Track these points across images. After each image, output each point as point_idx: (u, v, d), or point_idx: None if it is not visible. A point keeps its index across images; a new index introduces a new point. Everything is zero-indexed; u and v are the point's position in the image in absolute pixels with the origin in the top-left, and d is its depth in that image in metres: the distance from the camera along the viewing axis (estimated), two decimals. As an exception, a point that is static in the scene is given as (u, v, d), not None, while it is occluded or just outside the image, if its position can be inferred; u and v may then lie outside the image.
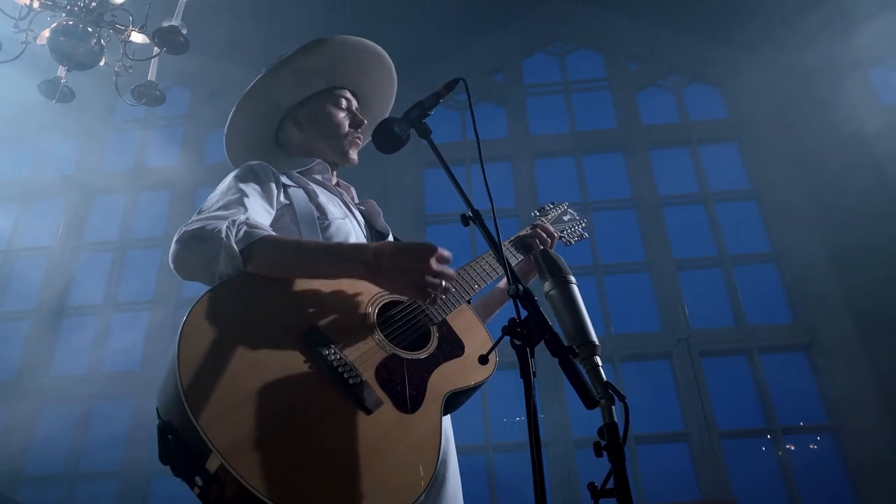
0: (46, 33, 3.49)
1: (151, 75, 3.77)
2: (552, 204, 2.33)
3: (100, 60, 3.64)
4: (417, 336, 1.56)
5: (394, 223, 2.06)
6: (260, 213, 1.64)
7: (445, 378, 1.51)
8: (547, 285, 1.29)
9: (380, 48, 2.05)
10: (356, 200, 2.02)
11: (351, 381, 1.35)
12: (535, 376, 1.20)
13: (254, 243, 1.45)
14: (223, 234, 1.44)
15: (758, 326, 5.41)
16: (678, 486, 4.89)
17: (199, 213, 1.58)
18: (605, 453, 1.06)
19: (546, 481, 1.13)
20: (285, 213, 1.74)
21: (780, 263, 5.72)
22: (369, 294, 1.55)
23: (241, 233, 1.46)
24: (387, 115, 2.09)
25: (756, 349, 5.30)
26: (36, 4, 3.49)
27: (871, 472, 4.69)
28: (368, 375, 1.40)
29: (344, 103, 2.01)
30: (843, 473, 4.83)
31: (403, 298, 1.59)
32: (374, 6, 6.12)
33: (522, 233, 2.10)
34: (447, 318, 1.63)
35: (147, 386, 5.23)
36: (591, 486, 1.05)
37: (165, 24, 3.47)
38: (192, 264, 1.48)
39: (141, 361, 5.58)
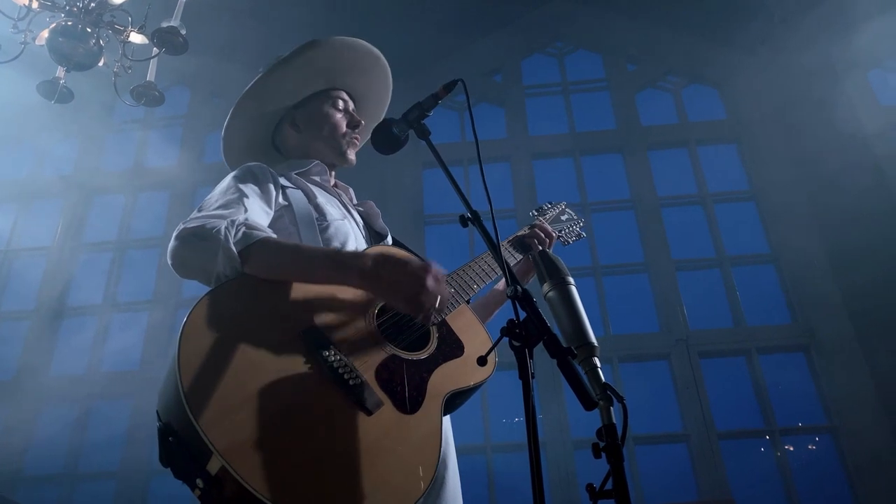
0: (45, 34, 3.49)
1: (150, 76, 3.76)
2: (550, 203, 2.33)
3: (99, 61, 3.64)
4: (417, 336, 1.56)
5: (392, 224, 2.06)
6: (259, 213, 1.64)
7: (445, 378, 1.51)
8: (546, 287, 1.30)
9: (375, 49, 2.06)
10: (355, 201, 2.02)
11: (351, 382, 1.36)
12: (533, 377, 1.21)
13: (252, 245, 1.46)
14: (222, 235, 1.44)
15: (756, 327, 5.41)
16: (677, 486, 4.90)
17: (199, 210, 1.58)
18: (603, 454, 1.06)
19: (545, 482, 1.13)
20: (284, 215, 1.74)
21: (779, 264, 5.72)
22: (369, 295, 1.55)
23: (240, 234, 1.46)
24: (382, 116, 2.10)
25: (755, 350, 5.30)
26: (35, 5, 3.49)
27: (870, 472, 4.69)
28: (369, 376, 1.40)
29: (341, 104, 2.02)
30: (842, 474, 4.83)
31: None
32: (373, 6, 6.12)
33: (521, 233, 2.10)
34: (447, 318, 1.63)
35: (146, 386, 5.22)
36: (590, 487, 1.05)
37: (164, 24, 3.47)
38: (191, 262, 1.48)
39: (140, 361, 5.58)
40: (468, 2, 6.61)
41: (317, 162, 1.95)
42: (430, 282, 1.44)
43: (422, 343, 1.56)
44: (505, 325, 1.26)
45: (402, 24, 6.10)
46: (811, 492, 4.76)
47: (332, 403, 1.32)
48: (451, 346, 1.58)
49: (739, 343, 5.35)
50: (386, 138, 1.72)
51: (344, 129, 2.00)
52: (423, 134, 1.67)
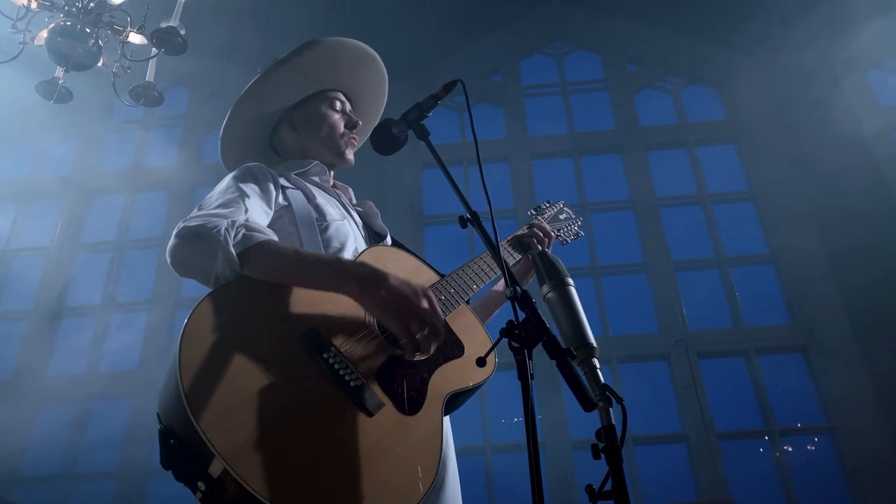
0: (44, 34, 3.49)
1: (149, 76, 3.76)
2: (548, 202, 2.34)
3: (98, 61, 3.63)
4: None
5: (391, 224, 2.06)
6: (259, 213, 1.64)
7: (446, 379, 1.51)
8: (545, 288, 1.30)
9: (371, 50, 2.06)
10: (354, 201, 2.02)
11: (352, 384, 1.35)
12: (532, 378, 1.21)
13: (251, 248, 1.45)
14: (222, 235, 1.44)
15: (755, 327, 5.41)
16: (676, 487, 4.90)
17: (199, 209, 1.58)
18: (602, 455, 1.06)
19: (544, 482, 1.13)
20: (284, 215, 1.74)
21: (778, 265, 5.73)
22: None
23: (240, 236, 1.46)
24: (379, 117, 2.11)
25: (754, 350, 5.30)
26: (34, 5, 3.49)
27: (869, 473, 4.69)
28: (369, 377, 1.40)
29: (338, 105, 2.02)
30: (841, 474, 4.83)
31: None
32: (373, 7, 6.12)
33: (519, 232, 2.10)
34: (447, 318, 1.63)
35: (145, 386, 5.22)
36: (589, 488, 1.05)
37: (163, 24, 3.47)
38: (190, 262, 1.48)
39: (139, 362, 5.58)
40: (467, 2, 6.61)
41: (316, 162, 1.95)
42: (424, 304, 1.41)
43: (422, 343, 1.55)
44: (504, 325, 1.26)
45: (401, 24, 6.10)
46: (810, 492, 4.76)
47: (333, 405, 1.32)
48: (452, 347, 1.58)
49: (738, 343, 5.35)
50: (385, 139, 1.72)
51: (342, 129, 2.00)
52: (423, 134, 1.67)
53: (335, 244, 1.74)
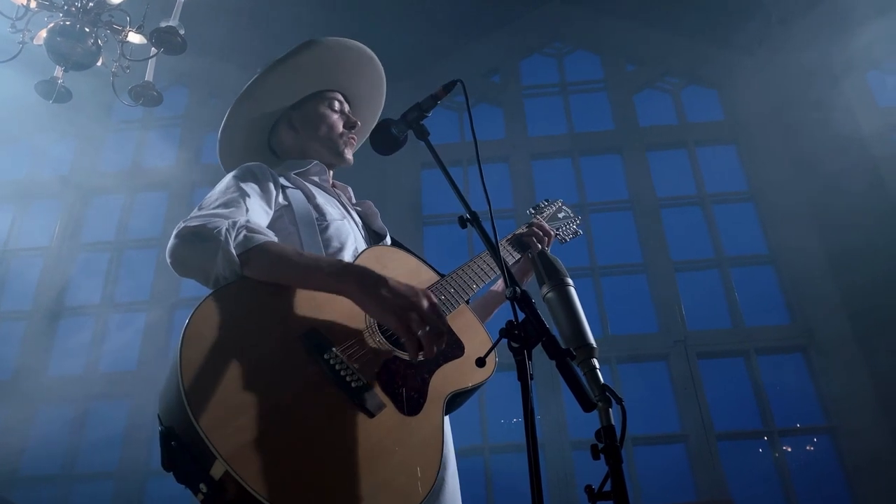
0: (43, 33, 3.48)
1: (149, 76, 3.76)
2: (547, 201, 2.34)
3: (97, 61, 3.63)
4: None
5: (391, 224, 2.06)
6: (259, 213, 1.64)
7: (446, 379, 1.51)
8: (544, 288, 1.29)
9: (369, 50, 2.06)
10: (353, 201, 2.02)
11: (353, 384, 1.35)
12: (532, 378, 1.20)
13: (252, 249, 1.45)
14: (223, 236, 1.44)
15: (755, 328, 5.41)
16: (675, 487, 4.90)
17: (199, 209, 1.58)
18: (602, 456, 1.06)
19: (543, 483, 1.13)
20: (284, 215, 1.74)
21: (778, 265, 5.73)
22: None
23: (241, 236, 1.46)
24: (377, 117, 2.11)
25: (753, 350, 5.31)
26: (33, 4, 3.48)
27: (868, 473, 4.69)
28: (370, 378, 1.40)
29: (337, 105, 2.03)
30: (840, 475, 4.83)
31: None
32: (372, 7, 6.12)
33: (519, 231, 2.10)
34: (446, 318, 1.63)
35: (144, 386, 5.23)
36: (588, 488, 1.05)
37: (163, 24, 3.47)
38: (190, 262, 1.47)
39: (137, 362, 5.57)
40: (467, 2, 6.61)
41: (315, 162, 1.95)
42: (425, 303, 1.41)
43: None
44: (504, 326, 1.26)
45: (401, 24, 6.10)
46: (809, 492, 4.76)
47: (334, 406, 1.32)
48: (452, 347, 1.57)
49: (738, 344, 5.35)
50: (385, 139, 1.72)
51: (341, 129, 2.01)
52: (422, 134, 1.67)
53: (335, 244, 1.74)
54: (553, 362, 1.19)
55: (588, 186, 6.27)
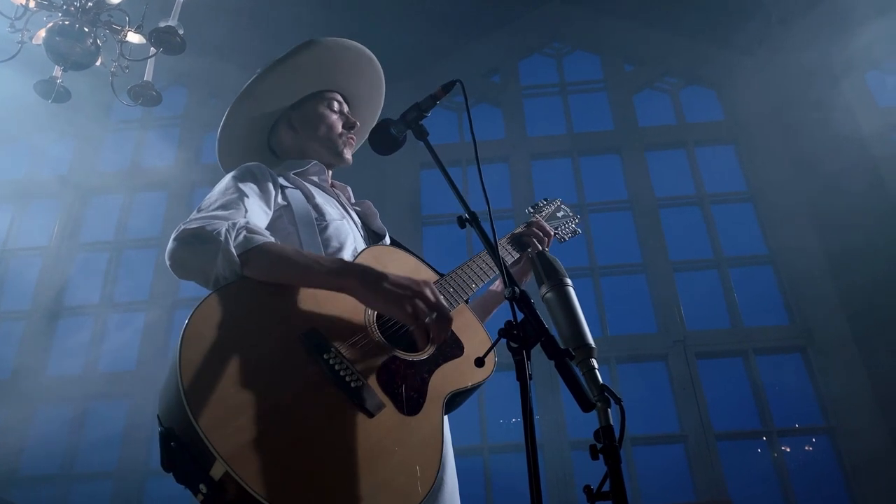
0: (42, 33, 3.48)
1: (148, 75, 3.75)
2: (546, 200, 2.34)
3: (96, 60, 3.63)
4: None
5: (390, 224, 2.06)
6: (258, 214, 1.64)
7: (446, 379, 1.51)
8: (543, 288, 1.30)
9: (369, 51, 2.07)
10: (352, 201, 2.02)
11: (352, 384, 1.35)
12: (531, 379, 1.21)
13: (251, 250, 1.45)
14: (222, 237, 1.44)
15: (754, 328, 5.41)
16: (674, 487, 4.90)
17: (198, 211, 1.58)
18: (601, 456, 1.06)
19: (542, 483, 1.13)
20: (283, 215, 1.74)
21: (777, 265, 5.73)
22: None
23: (241, 237, 1.46)
24: (376, 118, 2.11)
25: (752, 351, 5.30)
26: (32, 4, 3.48)
27: (867, 473, 4.69)
28: (370, 378, 1.40)
29: (336, 105, 2.03)
30: (839, 475, 4.83)
31: None
32: (371, 6, 6.12)
33: (518, 230, 2.10)
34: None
35: (143, 386, 5.22)
36: (587, 488, 1.05)
37: (162, 24, 3.47)
38: (190, 264, 1.48)
39: (136, 361, 5.57)
40: (467, 2, 6.61)
41: (315, 162, 1.95)
42: (428, 292, 1.44)
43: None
44: (503, 326, 1.26)
45: (400, 24, 6.10)
46: (808, 492, 4.76)
47: (334, 406, 1.32)
48: (451, 346, 1.58)
49: (737, 344, 5.35)
50: (384, 139, 1.72)
51: (340, 129, 2.01)
52: (422, 134, 1.67)
53: (334, 244, 1.74)
54: (552, 362, 1.19)
55: (587, 186, 6.26)
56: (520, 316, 1.27)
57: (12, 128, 6.52)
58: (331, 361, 1.36)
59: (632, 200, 6.14)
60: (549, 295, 1.28)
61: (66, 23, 3.46)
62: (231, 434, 1.18)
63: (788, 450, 4.96)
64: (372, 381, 1.39)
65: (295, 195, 1.79)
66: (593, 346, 1.19)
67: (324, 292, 1.48)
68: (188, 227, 1.49)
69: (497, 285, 2.07)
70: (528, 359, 1.22)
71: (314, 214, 1.77)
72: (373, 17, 6.01)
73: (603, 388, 1.11)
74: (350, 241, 1.79)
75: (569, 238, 2.32)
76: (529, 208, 2.28)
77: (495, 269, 1.83)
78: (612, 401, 1.10)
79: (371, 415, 1.34)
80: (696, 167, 6.29)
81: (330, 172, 2.03)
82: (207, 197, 1.66)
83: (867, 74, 6.26)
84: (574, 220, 2.36)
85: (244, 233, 1.47)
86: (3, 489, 4.99)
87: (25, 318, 5.89)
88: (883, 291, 5.08)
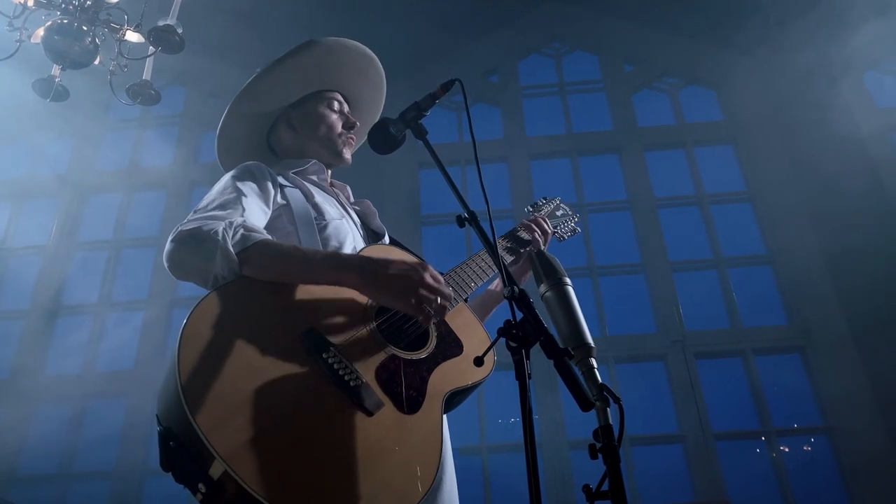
0: (41, 32, 3.47)
1: (146, 74, 3.75)
2: (545, 199, 2.34)
3: (94, 59, 3.62)
4: (416, 335, 1.56)
5: (389, 224, 2.06)
6: (257, 213, 1.64)
7: (445, 378, 1.51)
8: (542, 287, 1.30)
9: (369, 51, 2.06)
10: (351, 200, 2.02)
11: (351, 383, 1.35)
12: (530, 378, 1.20)
13: (250, 247, 1.45)
14: (220, 236, 1.44)
15: (753, 328, 5.41)
16: (673, 487, 4.90)
17: (196, 212, 1.58)
18: (600, 455, 1.06)
19: (541, 482, 1.13)
20: (282, 214, 1.74)
21: (776, 265, 5.73)
22: (367, 295, 1.54)
23: (238, 236, 1.46)
24: (377, 118, 2.11)
25: (751, 351, 5.30)
26: (30, 3, 3.47)
27: (866, 473, 4.70)
28: (369, 377, 1.40)
29: (336, 105, 2.03)
30: (838, 475, 4.83)
31: None
32: (371, 6, 6.12)
33: (517, 229, 2.10)
34: (445, 316, 1.63)
35: (141, 385, 5.22)
36: (587, 488, 1.05)
37: (161, 23, 3.46)
38: (188, 264, 1.47)
39: (135, 361, 5.56)
40: (466, 2, 6.61)
41: (314, 161, 1.95)
42: (428, 278, 1.44)
43: (421, 342, 1.55)
44: (502, 325, 1.26)
45: (400, 23, 6.09)
46: (807, 493, 4.76)
47: (333, 405, 1.32)
48: (451, 345, 1.58)
49: (736, 344, 5.35)
50: (383, 138, 1.72)
51: (339, 129, 2.01)
52: (421, 134, 1.67)
53: (334, 243, 1.74)
54: (551, 362, 1.19)
55: (586, 186, 6.26)
56: (519, 315, 1.27)
57: (11, 127, 6.51)
58: (330, 360, 1.36)
59: (631, 200, 6.14)
60: (548, 294, 1.28)
61: (65, 21, 3.45)
62: (230, 433, 1.18)
63: (787, 450, 4.96)
64: (371, 380, 1.39)
65: (294, 194, 1.79)
66: (592, 345, 1.19)
67: (323, 290, 1.48)
68: (185, 227, 1.48)
69: (496, 284, 2.07)
70: (528, 358, 1.22)
71: (313, 213, 1.76)
72: (372, 17, 6.01)
73: (602, 387, 1.11)
74: (349, 240, 1.79)
75: (568, 237, 2.32)
76: (528, 207, 2.28)
77: (494, 268, 1.83)
78: (611, 400, 1.10)
79: (370, 414, 1.34)
80: (696, 167, 6.29)
81: (329, 172, 2.03)
82: (206, 196, 1.66)
83: (866, 75, 6.26)
84: (573, 218, 2.36)
85: (241, 231, 1.47)
86: (2, 488, 4.98)
87: (24, 317, 5.88)
88: (882, 291, 5.08)
